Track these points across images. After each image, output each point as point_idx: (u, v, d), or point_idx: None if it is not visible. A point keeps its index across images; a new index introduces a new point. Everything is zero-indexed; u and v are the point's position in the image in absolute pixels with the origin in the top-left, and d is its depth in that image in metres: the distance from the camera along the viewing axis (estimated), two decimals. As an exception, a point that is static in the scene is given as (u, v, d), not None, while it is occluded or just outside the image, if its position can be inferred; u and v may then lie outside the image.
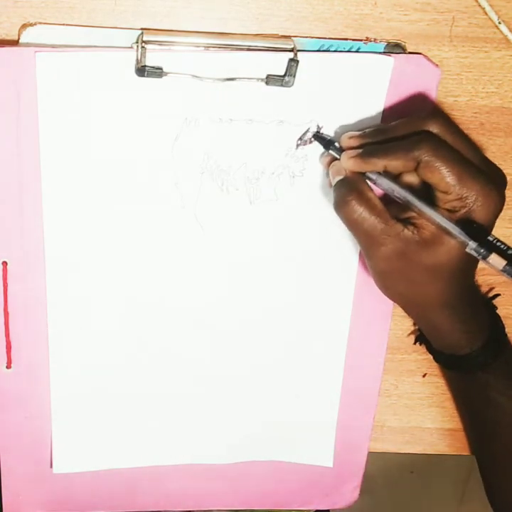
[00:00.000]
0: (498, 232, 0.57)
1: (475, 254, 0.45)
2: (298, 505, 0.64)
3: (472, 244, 0.45)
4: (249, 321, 0.57)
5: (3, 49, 0.47)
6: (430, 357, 0.60)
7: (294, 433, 0.61)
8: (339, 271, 0.55)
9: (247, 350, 0.57)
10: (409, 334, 0.59)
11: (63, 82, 0.48)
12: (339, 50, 0.50)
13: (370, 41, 0.50)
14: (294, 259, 0.55)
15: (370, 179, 0.47)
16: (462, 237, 0.45)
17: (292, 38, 0.49)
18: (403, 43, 0.50)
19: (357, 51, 0.50)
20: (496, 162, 0.55)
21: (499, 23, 0.50)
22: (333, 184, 0.48)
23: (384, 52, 0.50)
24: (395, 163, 0.46)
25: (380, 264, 0.48)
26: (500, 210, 0.46)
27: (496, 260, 0.45)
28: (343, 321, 0.57)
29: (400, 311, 0.58)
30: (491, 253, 0.45)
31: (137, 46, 0.48)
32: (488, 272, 0.57)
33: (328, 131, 0.51)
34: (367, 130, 0.48)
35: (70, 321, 0.54)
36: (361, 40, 0.50)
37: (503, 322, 0.56)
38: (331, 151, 0.49)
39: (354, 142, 0.48)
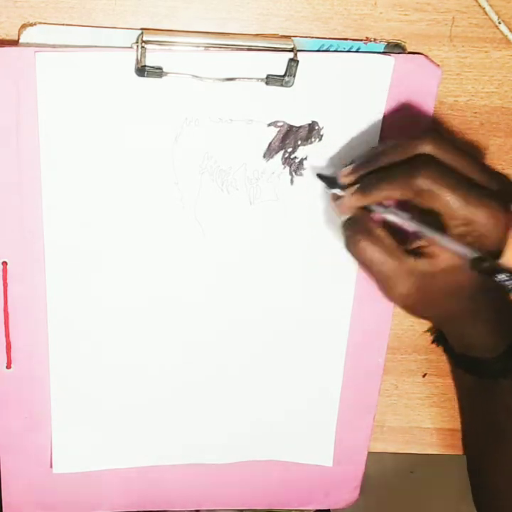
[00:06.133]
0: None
1: (501, 283, 0.43)
2: (298, 505, 0.64)
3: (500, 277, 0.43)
4: (249, 321, 0.56)
5: (3, 49, 0.47)
6: (430, 357, 0.60)
7: (294, 433, 0.61)
8: (339, 271, 0.55)
9: (246, 349, 0.57)
10: (426, 331, 0.58)
11: (63, 82, 0.48)
12: (339, 50, 0.50)
13: (370, 41, 0.50)
14: (293, 259, 0.55)
15: (377, 211, 0.46)
16: (483, 263, 0.44)
17: (292, 38, 0.49)
18: (403, 43, 0.50)
19: (357, 51, 0.50)
20: (496, 162, 0.55)
21: (499, 23, 0.50)
22: (341, 223, 0.47)
23: (384, 52, 0.50)
24: (395, 194, 0.44)
25: (400, 299, 0.47)
26: None
27: None
28: (343, 320, 0.57)
29: (400, 311, 0.58)
30: None
31: (137, 46, 0.47)
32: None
33: (329, 132, 0.51)
34: (361, 160, 0.46)
35: (69, 321, 0.54)
36: (361, 40, 0.50)
37: None
38: (333, 190, 0.48)
39: (352, 177, 0.47)
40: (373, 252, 0.45)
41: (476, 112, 0.53)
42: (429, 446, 0.64)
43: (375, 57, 0.50)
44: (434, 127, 0.52)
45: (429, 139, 0.44)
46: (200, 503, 0.63)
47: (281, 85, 0.49)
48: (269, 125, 0.51)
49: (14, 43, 0.48)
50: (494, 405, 0.54)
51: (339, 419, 0.60)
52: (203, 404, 0.59)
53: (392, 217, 0.46)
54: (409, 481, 1.27)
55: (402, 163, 0.44)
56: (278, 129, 0.51)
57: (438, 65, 0.50)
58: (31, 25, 0.48)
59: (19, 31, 0.48)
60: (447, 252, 0.45)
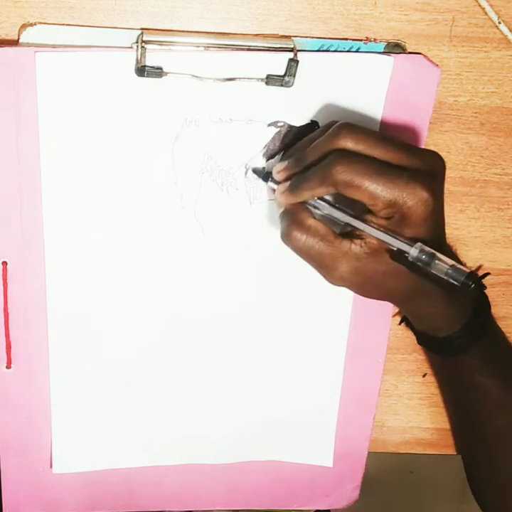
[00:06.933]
0: (498, 233, 0.57)
1: (418, 263, 0.44)
2: (298, 505, 0.64)
3: (413, 253, 0.44)
4: (248, 321, 0.56)
5: (3, 49, 0.47)
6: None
7: (294, 433, 0.61)
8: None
9: (246, 349, 0.57)
10: (395, 315, 0.58)
11: (63, 82, 0.48)
12: (339, 50, 0.50)
13: (370, 41, 0.50)
14: (293, 258, 0.55)
15: (310, 205, 0.47)
16: (402, 248, 0.45)
17: (292, 38, 0.49)
18: (403, 43, 0.50)
19: (357, 51, 0.50)
20: (496, 162, 0.55)
21: (499, 23, 0.50)
22: (278, 217, 0.49)
23: (384, 52, 0.50)
24: (319, 191, 0.46)
25: (340, 283, 0.48)
26: (438, 201, 0.45)
27: (440, 265, 0.44)
28: (343, 321, 0.57)
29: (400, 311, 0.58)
30: (433, 260, 0.44)
31: (137, 46, 0.48)
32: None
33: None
34: (289, 160, 0.48)
35: (69, 321, 0.54)
36: (361, 40, 0.50)
37: (490, 304, 0.54)
38: (269, 184, 0.50)
39: (282, 176, 0.48)
40: (306, 240, 0.47)
41: (476, 112, 0.53)
42: (429, 446, 0.64)
43: (374, 57, 0.50)
44: (345, 121, 0.49)
45: (341, 133, 0.45)
46: (199, 504, 0.63)
47: (281, 85, 0.49)
48: (269, 125, 0.51)
49: (14, 43, 0.48)
50: (463, 383, 0.55)
51: (339, 420, 0.60)
52: (203, 405, 0.59)
53: (324, 211, 0.47)
54: (409, 481, 1.27)
55: (321, 161, 0.45)
56: (278, 129, 0.51)
57: (437, 65, 0.50)
58: (31, 25, 0.48)
59: (19, 31, 0.48)
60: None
